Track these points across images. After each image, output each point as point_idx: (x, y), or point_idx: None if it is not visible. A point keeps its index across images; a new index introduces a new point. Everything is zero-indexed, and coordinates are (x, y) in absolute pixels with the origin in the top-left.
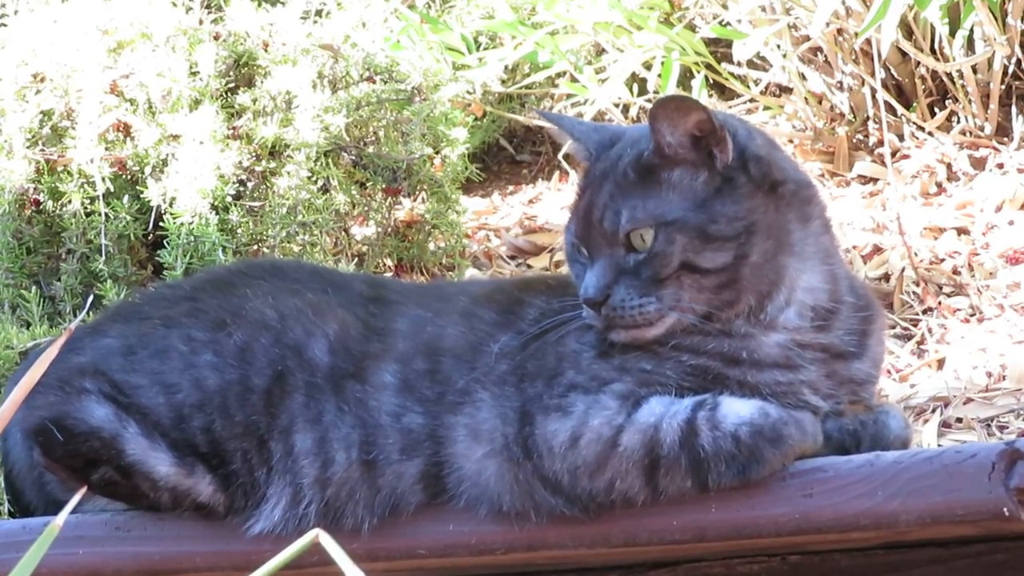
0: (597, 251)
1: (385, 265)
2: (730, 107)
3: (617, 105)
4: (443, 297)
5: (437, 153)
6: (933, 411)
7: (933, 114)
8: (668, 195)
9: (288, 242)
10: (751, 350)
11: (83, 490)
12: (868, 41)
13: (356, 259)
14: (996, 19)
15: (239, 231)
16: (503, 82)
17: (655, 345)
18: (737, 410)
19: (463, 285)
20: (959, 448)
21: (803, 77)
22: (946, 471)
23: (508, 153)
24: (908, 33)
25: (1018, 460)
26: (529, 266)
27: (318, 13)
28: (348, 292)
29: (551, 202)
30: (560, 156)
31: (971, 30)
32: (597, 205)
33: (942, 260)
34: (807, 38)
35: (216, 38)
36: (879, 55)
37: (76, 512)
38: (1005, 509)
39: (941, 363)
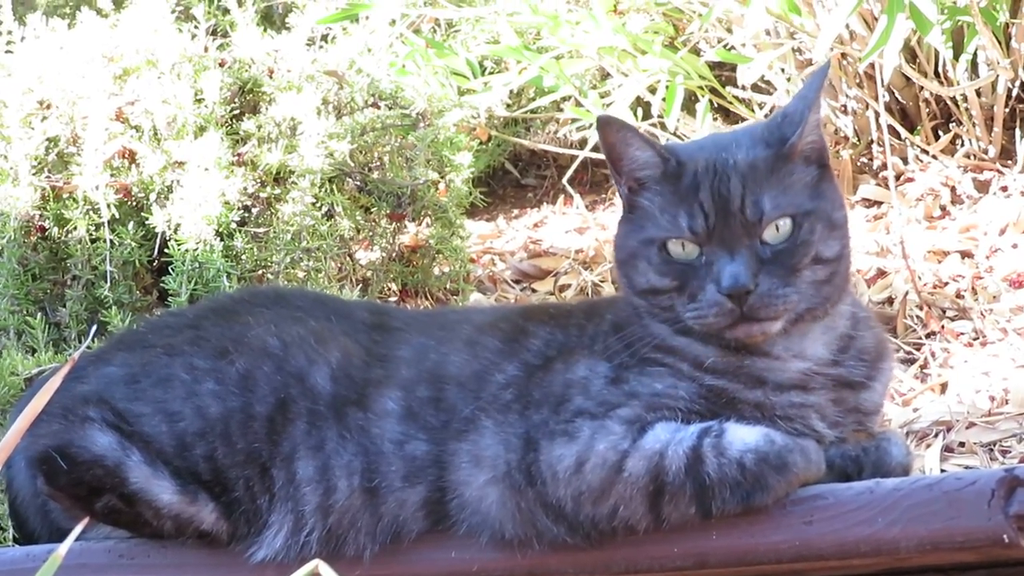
0: (734, 243)
1: (390, 290)
2: None
3: None
4: (446, 325)
5: (442, 178)
6: (936, 435)
7: (937, 137)
8: (796, 185)
9: (292, 268)
10: (778, 371)
11: (86, 520)
12: (872, 65)
13: (361, 284)
14: (1000, 43)
15: (244, 257)
16: (508, 107)
17: (683, 363)
18: (743, 437)
19: (466, 313)
20: (959, 475)
21: None
22: (946, 498)
23: (513, 177)
24: (912, 57)
25: (1017, 487)
26: (534, 290)
27: (324, 39)
28: (351, 320)
29: (556, 226)
30: (565, 180)
31: (975, 54)
32: (732, 197)
33: (946, 284)
34: (811, 62)
35: (221, 65)
36: (882, 80)
37: (79, 540)
38: (1005, 536)
39: (944, 387)
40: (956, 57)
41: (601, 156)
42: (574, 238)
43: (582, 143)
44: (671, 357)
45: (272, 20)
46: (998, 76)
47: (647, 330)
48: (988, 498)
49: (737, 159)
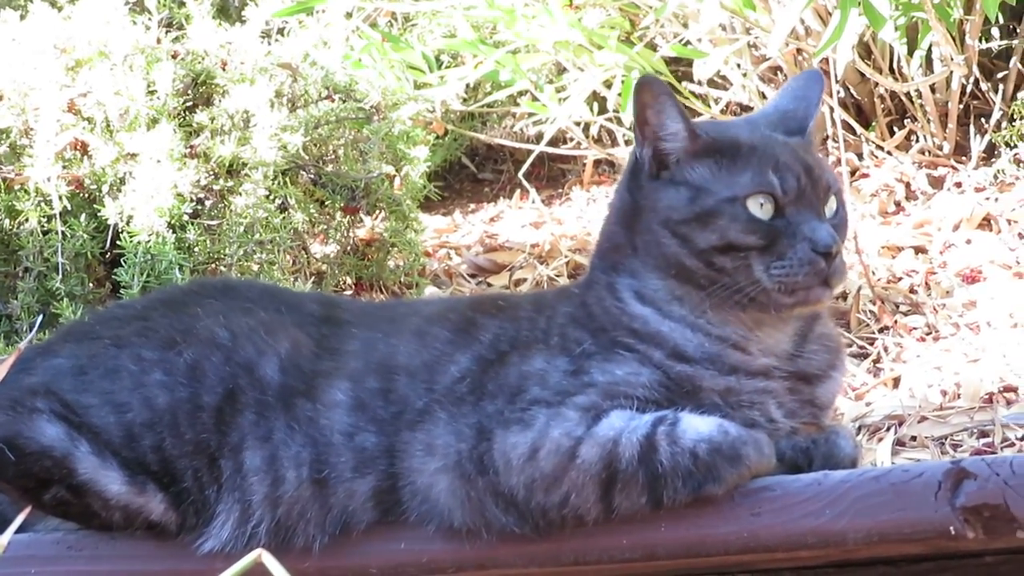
0: (814, 208)
1: (345, 283)
2: None
3: (578, 124)
4: (395, 317)
5: (398, 172)
6: (888, 429)
7: (892, 133)
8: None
9: (246, 260)
10: (752, 358)
11: (27, 510)
12: (827, 60)
13: (315, 277)
14: (954, 39)
15: (196, 249)
16: (464, 100)
17: (657, 350)
18: (696, 426)
19: (414, 305)
20: (906, 467)
21: (763, 96)
22: (893, 490)
23: (470, 171)
24: (867, 53)
25: (964, 479)
26: (489, 284)
27: (280, 32)
28: (301, 311)
29: (512, 220)
30: (520, 175)
31: (929, 50)
32: (813, 164)
33: (899, 279)
34: (767, 57)
35: (174, 57)
36: (836, 75)
37: (29, 531)
38: (952, 528)
39: (897, 381)
40: (911, 53)
41: (557, 151)
42: (530, 232)
43: (538, 137)
44: (644, 344)
45: (228, 13)
46: (952, 72)
47: (626, 311)
48: (935, 490)
49: (780, 137)
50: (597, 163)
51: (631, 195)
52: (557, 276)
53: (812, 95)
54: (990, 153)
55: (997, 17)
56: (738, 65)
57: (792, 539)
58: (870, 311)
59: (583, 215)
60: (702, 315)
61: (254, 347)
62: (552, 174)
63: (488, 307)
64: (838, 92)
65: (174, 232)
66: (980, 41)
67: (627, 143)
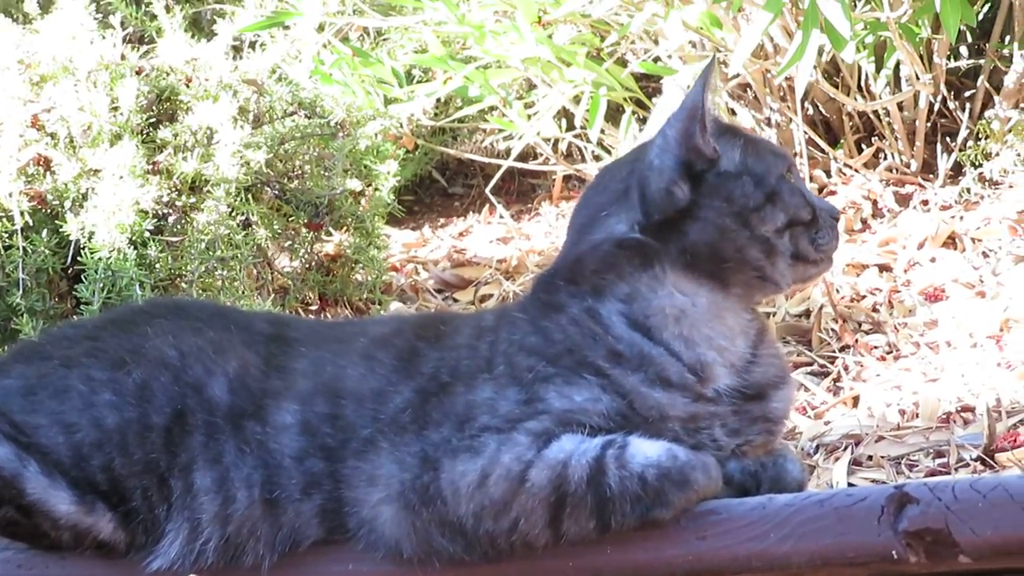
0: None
1: (309, 299)
2: None
3: (547, 140)
4: (343, 338)
5: (369, 186)
6: (845, 449)
7: (860, 151)
8: None
9: (208, 277)
10: (714, 383)
11: None
12: (793, 78)
13: (279, 293)
14: (922, 58)
15: (158, 266)
16: (435, 116)
17: (633, 375)
18: (645, 451)
19: (363, 325)
20: (850, 491)
21: (732, 112)
22: (836, 514)
23: (440, 186)
24: (836, 70)
25: (907, 504)
26: (455, 300)
27: (252, 46)
28: (250, 331)
29: (481, 235)
30: (488, 190)
31: (896, 68)
32: None
33: (863, 297)
34: (736, 74)
35: (139, 73)
36: (799, 94)
37: None
38: (894, 552)
39: (856, 400)
40: (878, 71)
41: (526, 166)
42: (498, 248)
43: (508, 153)
44: (622, 368)
45: (201, 26)
46: (919, 91)
47: (611, 333)
48: (878, 514)
49: None
50: (567, 179)
51: (675, 199)
52: (523, 292)
53: None
54: (957, 171)
55: (965, 36)
56: None
57: (737, 562)
58: (832, 329)
59: (552, 230)
60: (695, 331)
61: (203, 367)
62: (522, 189)
63: (430, 333)
64: (806, 109)
65: (135, 248)
66: (948, 60)
67: (596, 159)
